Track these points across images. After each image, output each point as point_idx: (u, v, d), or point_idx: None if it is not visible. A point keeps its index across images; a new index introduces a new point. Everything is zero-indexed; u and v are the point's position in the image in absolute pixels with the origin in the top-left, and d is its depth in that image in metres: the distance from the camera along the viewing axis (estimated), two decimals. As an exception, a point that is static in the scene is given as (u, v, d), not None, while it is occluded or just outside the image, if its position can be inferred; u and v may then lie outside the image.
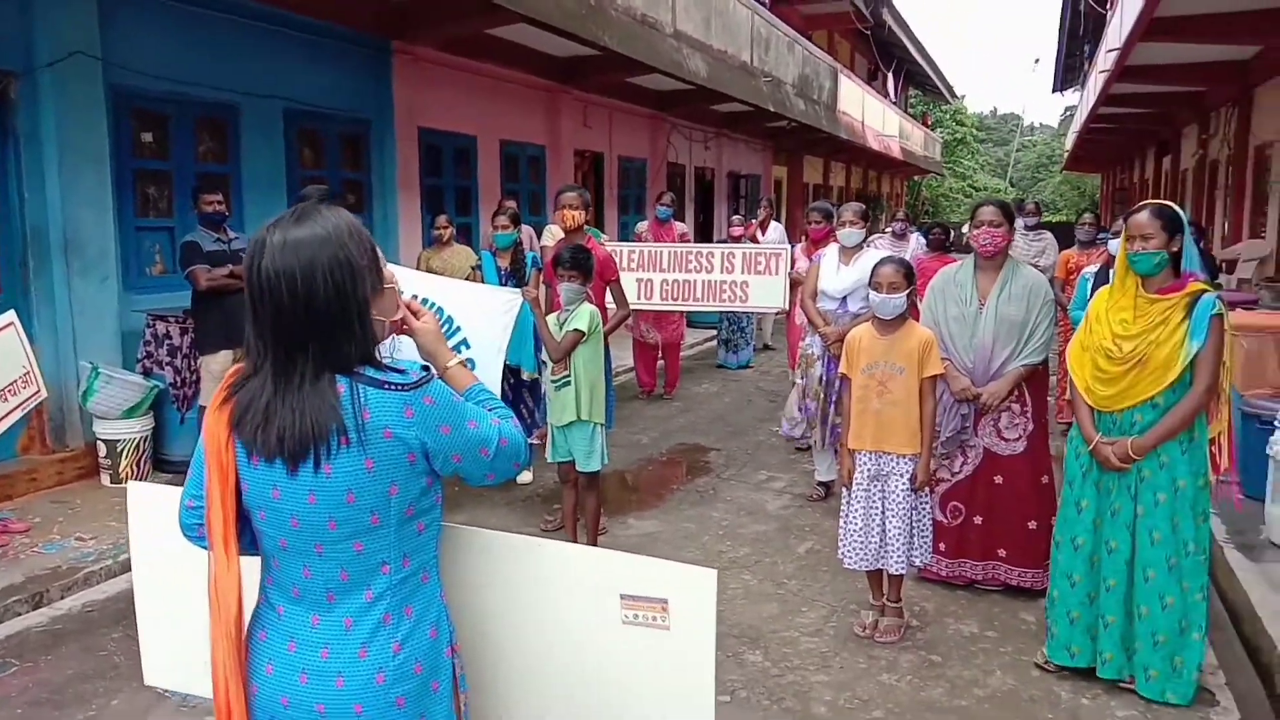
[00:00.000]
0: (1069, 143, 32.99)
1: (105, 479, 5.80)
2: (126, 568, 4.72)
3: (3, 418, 3.92)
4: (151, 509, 1.98)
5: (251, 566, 1.60)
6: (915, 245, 9.47)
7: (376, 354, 1.59)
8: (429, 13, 8.03)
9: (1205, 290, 3.18)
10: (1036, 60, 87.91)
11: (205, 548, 1.57)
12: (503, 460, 1.67)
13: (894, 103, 28.65)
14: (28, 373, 4.13)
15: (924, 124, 35.24)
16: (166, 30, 6.46)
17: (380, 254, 1.65)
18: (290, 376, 1.51)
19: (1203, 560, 3.25)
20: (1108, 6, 14.32)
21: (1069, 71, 26.52)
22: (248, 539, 1.61)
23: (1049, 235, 9.26)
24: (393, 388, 1.54)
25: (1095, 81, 16.57)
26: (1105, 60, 13.29)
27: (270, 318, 1.51)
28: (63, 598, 4.44)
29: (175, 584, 1.95)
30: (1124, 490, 3.32)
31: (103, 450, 5.79)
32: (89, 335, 5.92)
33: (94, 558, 4.73)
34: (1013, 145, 58.01)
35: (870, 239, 10.33)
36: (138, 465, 5.81)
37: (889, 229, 10.42)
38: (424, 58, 8.93)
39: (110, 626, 4.15)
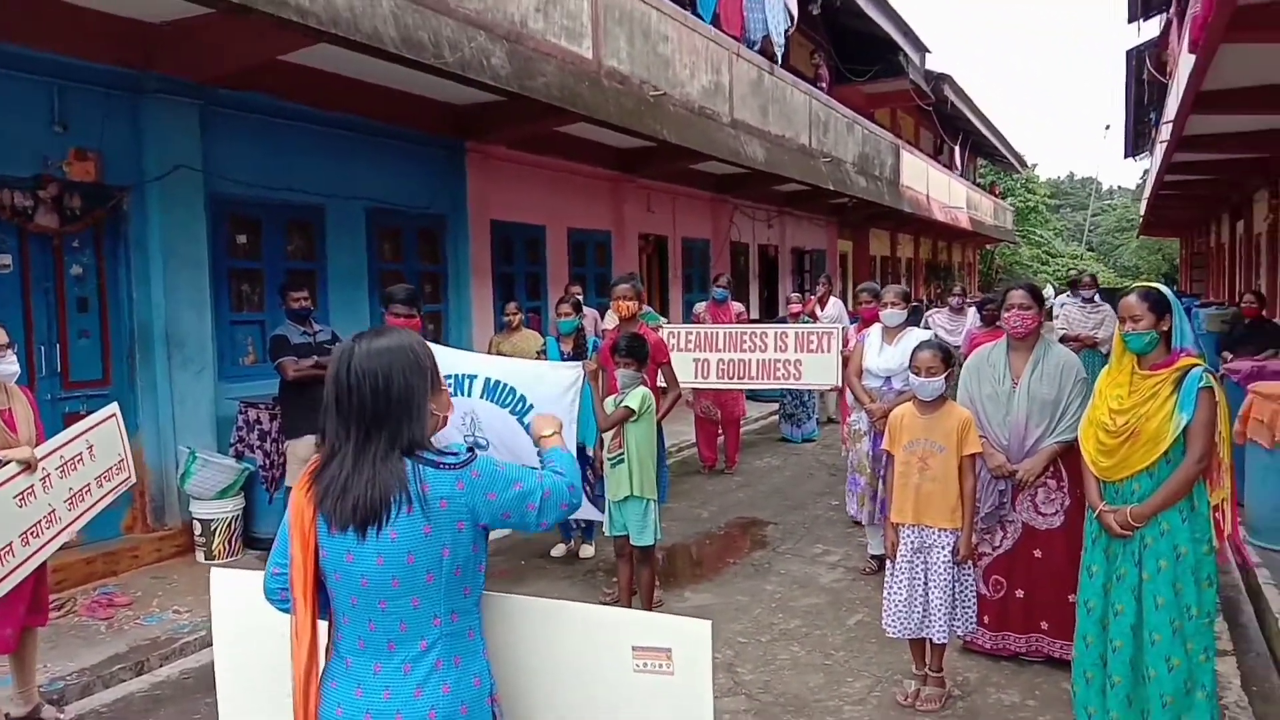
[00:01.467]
0: (1143, 208, 32.58)
1: (200, 556, 6.23)
2: (218, 638, 5.12)
3: (99, 500, 4.33)
4: (232, 591, 2.32)
5: (321, 628, 1.94)
6: (972, 319, 9.60)
7: (431, 440, 1.97)
8: (499, 115, 8.59)
9: (1195, 364, 3.38)
10: (1107, 126, 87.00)
11: (286, 610, 1.92)
12: (549, 509, 2.03)
13: (960, 174, 28.79)
14: (122, 460, 4.55)
15: (992, 193, 35.20)
16: (259, 141, 7.09)
17: (436, 361, 2.04)
18: (366, 454, 1.89)
19: (1206, 624, 3.38)
20: (1169, 76, 14.41)
21: (1139, 138, 26.34)
22: (320, 602, 1.94)
23: (1107, 306, 9.32)
24: (446, 466, 1.91)
25: (1159, 151, 16.57)
26: (1165, 131, 13.35)
27: (355, 408, 1.90)
28: (161, 666, 4.82)
29: (252, 658, 2.27)
30: (1129, 556, 3.48)
31: (198, 529, 6.23)
32: (187, 422, 6.43)
33: (189, 629, 5.12)
34: (1089, 210, 57.29)
35: (929, 312, 10.55)
36: (229, 543, 6.24)
37: (948, 302, 10.58)
38: (495, 155, 9.52)
39: (205, 692, 4.49)
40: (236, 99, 6.77)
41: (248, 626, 2.18)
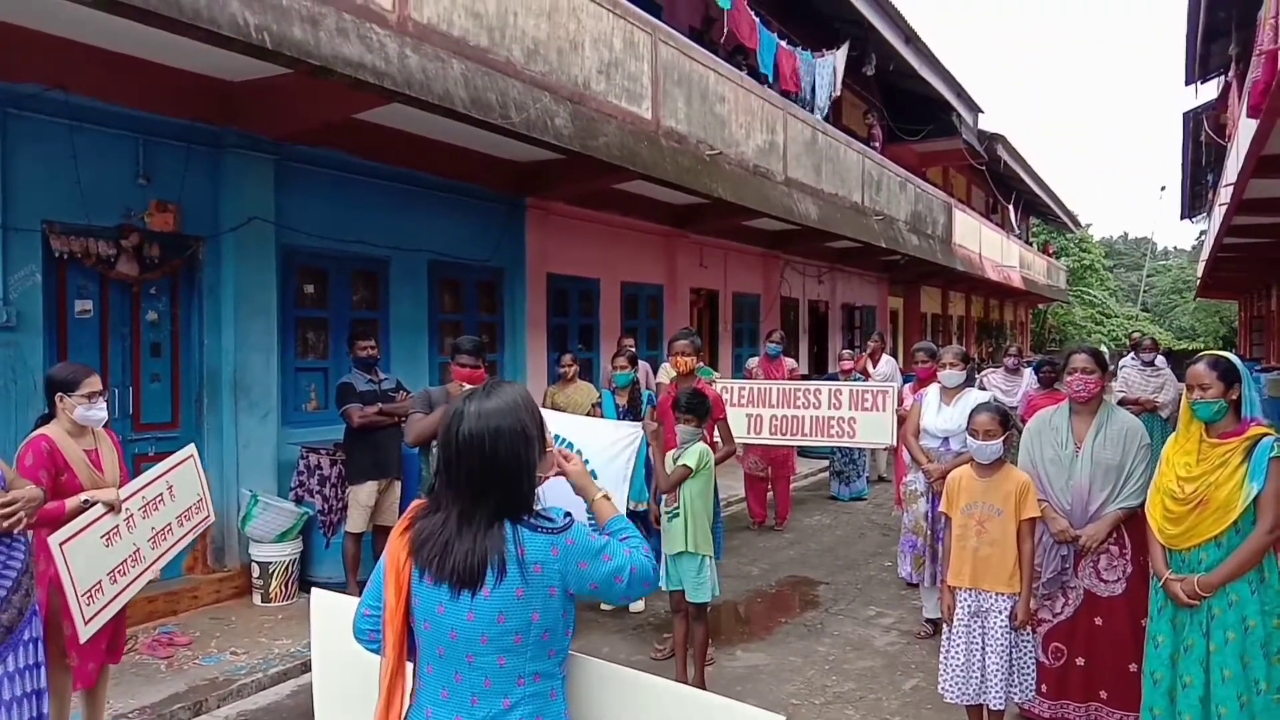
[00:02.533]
0: (1200, 269, 32.09)
1: (257, 598, 6.33)
2: (275, 680, 5.20)
3: (180, 539, 4.45)
4: (331, 613, 2.38)
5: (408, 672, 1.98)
6: (1029, 380, 9.50)
7: (534, 503, 2.01)
8: (559, 173, 8.79)
9: (1266, 434, 3.35)
10: (1163, 188, 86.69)
11: (374, 651, 1.97)
12: (634, 585, 2.04)
13: (1014, 233, 28.63)
14: (201, 500, 4.69)
15: (1045, 253, 34.93)
16: (329, 195, 7.32)
17: (545, 421, 2.10)
18: (471, 519, 1.93)
19: (1276, 700, 3.30)
20: (1227, 139, 14.31)
21: (1195, 199, 26.11)
22: (409, 645, 1.99)
23: (1167, 370, 9.19)
24: (544, 531, 1.94)
25: (1218, 213, 16.39)
26: (1224, 194, 13.23)
27: (465, 471, 1.94)
28: (219, 706, 4.90)
29: (350, 679, 2.31)
30: (1196, 627, 3.43)
31: (256, 571, 6.34)
32: (250, 466, 6.58)
33: (246, 671, 5.21)
34: (1144, 270, 56.56)
35: (985, 373, 10.46)
36: (286, 585, 6.34)
37: (1004, 363, 10.48)
38: (554, 211, 9.72)
39: (261, 735, 4.58)
40: (309, 154, 7.03)
41: (346, 651, 2.20)
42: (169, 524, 4.30)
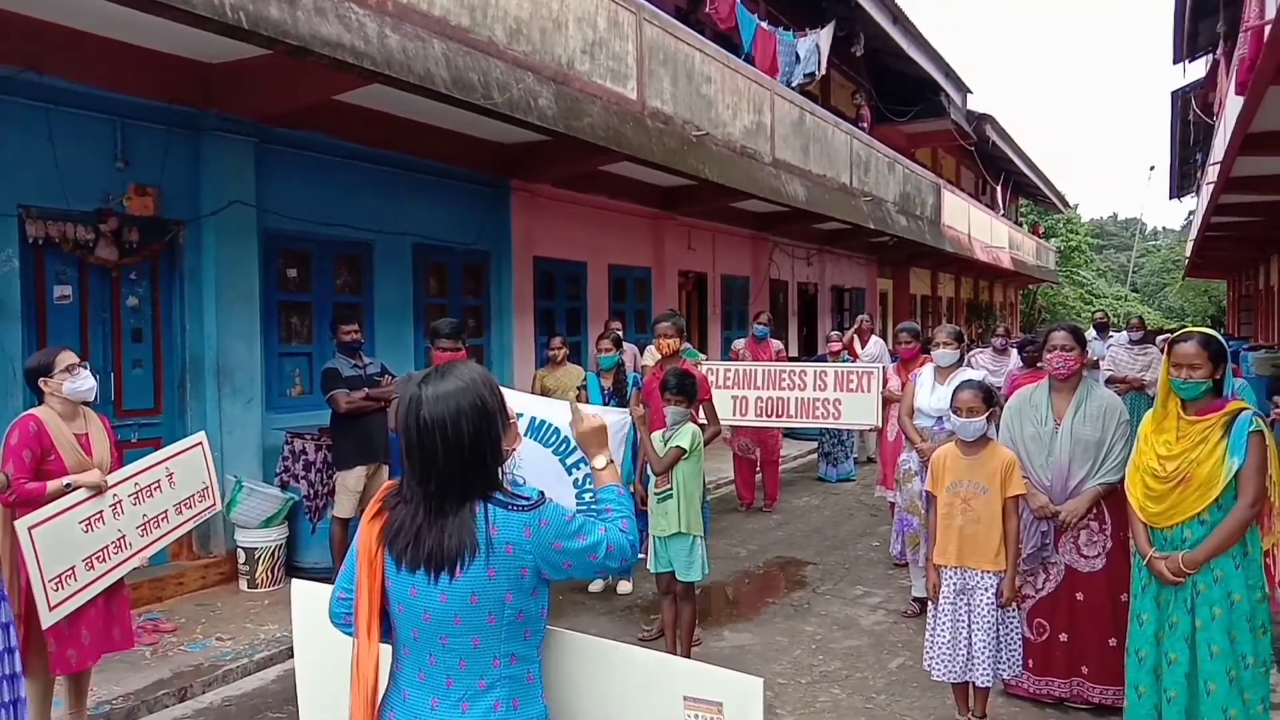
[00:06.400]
0: (1189, 249, 32.17)
1: (243, 584, 6.32)
2: (261, 666, 5.19)
3: (176, 527, 4.42)
4: (312, 602, 2.37)
5: (384, 657, 1.96)
6: (1015, 360, 9.51)
7: (504, 479, 1.97)
8: (544, 155, 8.74)
9: (1243, 409, 3.35)
10: (1152, 168, 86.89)
11: (349, 634, 1.95)
12: (610, 560, 2.00)
13: (1002, 214, 28.64)
14: (206, 488, 4.65)
15: (1035, 233, 34.95)
16: (311, 178, 7.27)
17: (503, 395, 2.05)
18: (441, 505, 1.89)
19: (1263, 673, 3.32)
20: (1215, 117, 14.31)
21: (1184, 179, 26.12)
22: (384, 628, 1.97)
23: (1154, 349, 9.20)
24: (516, 509, 1.91)
25: (1206, 192, 16.41)
26: (1212, 172, 13.24)
27: (425, 459, 1.90)
28: (204, 692, 4.89)
29: (331, 668, 2.30)
30: (1181, 604, 3.43)
31: (242, 557, 6.32)
32: (235, 451, 6.55)
33: (231, 656, 5.19)
34: (1133, 250, 56.66)
35: (973, 353, 10.47)
36: (272, 571, 6.32)
37: (991, 343, 10.49)
38: (539, 193, 9.67)
39: (246, 719, 4.57)
40: (290, 137, 6.96)
41: (326, 639, 2.19)
42: (164, 511, 4.27)
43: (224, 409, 6.49)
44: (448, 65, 6.23)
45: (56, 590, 3.66)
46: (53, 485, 3.74)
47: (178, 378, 6.47)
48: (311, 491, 6.52)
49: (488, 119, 6.99)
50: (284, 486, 6.52)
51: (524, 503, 1.93)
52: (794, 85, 12.54)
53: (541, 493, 1.99)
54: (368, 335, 7.48)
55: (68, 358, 3.90)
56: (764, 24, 11.45)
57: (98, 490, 3.89)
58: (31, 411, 3.84)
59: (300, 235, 7.25)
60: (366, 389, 6.16)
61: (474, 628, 1.88)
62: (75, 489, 3.81)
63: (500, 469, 1.97)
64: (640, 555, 5.54)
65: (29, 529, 3.56)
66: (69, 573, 3.72)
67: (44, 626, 3.68)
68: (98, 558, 3.87)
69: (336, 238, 7.55)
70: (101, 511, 3.89)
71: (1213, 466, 3.31)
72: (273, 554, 6.32)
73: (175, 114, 6.23)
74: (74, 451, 3.87)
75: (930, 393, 5.72)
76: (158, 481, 4.24)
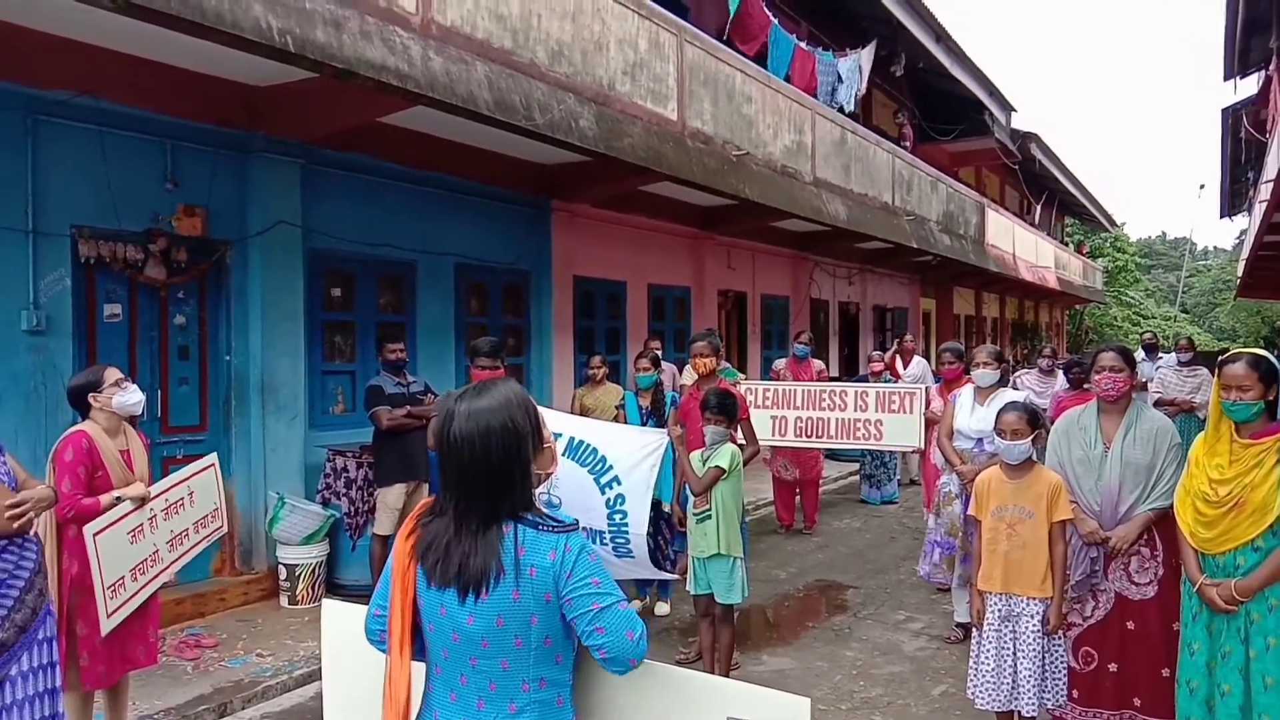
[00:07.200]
0: (1240, 269, 31.49)
1: (284, 600, 6.36)
2: (300, 683, 5.21)
3: (194, 545, 4.48)
4: (342, 623, 2.37)
5: (417, 674, 1.96)
6: (1061, 382, 9.35)
7: (535, 500, 1.97)
8: (585, 175, 8.78)
9: None
10: (1202, 186, 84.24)
11: (384, 651, 1.95)
12: (610, 649, 1.87)
13: (1048, 233, 28.26)
14: (216, 509, 4.71)
15: (1081, 252, 34.43)
16: (356, 199, 7.36)
17: (542, 418, 2.04)
18: (469, 522, 1.90)
19: None
20: (1268, 134, 14.02)
21: (1235, 197, 25.61)
22: (418, 646, 1.96)
23: (1204, 370, 9.00)
24: (546, 529, 1.90)
25: (1258, 211, 16.06)
26: (1265, 190, 12.95)
27: (456, 473, 1.91)
28: (244, 708, 4.92)
29: (359, 691, 2.30)
30: (1234, 633, 3.32)
31: (283, 574, 6.37)
32: (278, 468, 6.61)
33: (271, 673, 5.22)
34: (1182, 270, 55.65)
35: (1018, 374, 10.30)
36: (313, 589, 6.36)
37: (1037, 364, 10.33)
38: (580, 214, 9.71)
39: (284, 736, 4.59)
40: (335, 158, 7.07)
41: (355, 660, 2.20)
42: (186, 529, 4.34)
43: (267, 426, 6.56)
44: (490, 87, 6.28)
45: (113, 598, 3.74)
46: (105, 499, 3.83)
47: (223, 395, 6.56)
48: (352, 509, 6.57)
49: (529, 140, 7.04)
50: (325, 504, 6.57)
51: (554, 524, 1.92)
52: (846, 110, 12.49)
53: (575, 521, 1.97)
54: (410, 354, 7.54)
55: (114, 373, 3.99)
56: (803, 44, 11.41)
57: (142, 502, 3.97)
58: (80, 427, 3.92)
59: (345, 255, 7.34)
60: (409, 407, 6.20)
61: (502, 650, 1.87)
62: (123, 501, 3.88)
63: (532, 490, 1.96)
64: (678, 578, 5.53)
65: (94, 535, 3.66)
66: (120, 582, 3.80)
67: (102, 633, 3.75)
68: (139, 569, 3.94)
69: (380, 257, 7.63)
70: (143, 524, 3.97)
71: (1268, 491, 3.20)
72: (313, 571, 6.36)
73: (223, 136, 6.35)
74: (119, 467, 3.94)
75: (970, 414, 5.63)
76: (182, 499, 4.33)
